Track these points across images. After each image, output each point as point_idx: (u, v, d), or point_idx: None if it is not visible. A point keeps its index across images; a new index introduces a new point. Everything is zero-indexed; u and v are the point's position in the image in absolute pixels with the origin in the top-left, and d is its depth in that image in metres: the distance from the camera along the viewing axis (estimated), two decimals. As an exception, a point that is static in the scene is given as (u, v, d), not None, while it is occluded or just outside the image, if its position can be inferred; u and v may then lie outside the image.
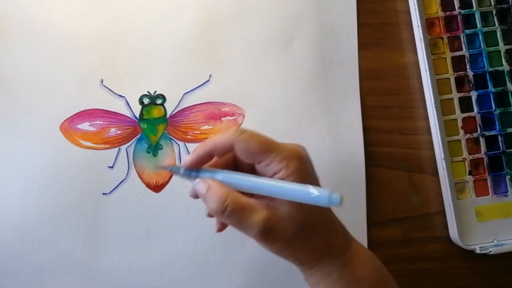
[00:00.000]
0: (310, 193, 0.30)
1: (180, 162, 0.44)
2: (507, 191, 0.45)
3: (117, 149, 0.44)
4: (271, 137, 0.42)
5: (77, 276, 0.42)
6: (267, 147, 0.33)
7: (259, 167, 0.33)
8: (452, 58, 0.45)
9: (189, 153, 0.43)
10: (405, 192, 0.45)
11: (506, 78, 0.45)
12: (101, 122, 0.44)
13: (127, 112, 0.44)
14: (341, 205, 0.29)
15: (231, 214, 0.32)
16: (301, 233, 0.32)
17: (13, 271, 0.42)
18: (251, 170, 0.34)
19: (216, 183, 0.33)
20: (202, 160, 0.35)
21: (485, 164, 0.45)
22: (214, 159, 0.35)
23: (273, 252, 0.34)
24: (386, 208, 0.45)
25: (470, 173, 0.44)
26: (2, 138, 0.43)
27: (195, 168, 0.35)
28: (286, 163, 0.32)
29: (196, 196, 0.35)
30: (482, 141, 0.45)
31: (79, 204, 0.43)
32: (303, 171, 0.33)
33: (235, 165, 0.36)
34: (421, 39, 0.45)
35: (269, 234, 0.32)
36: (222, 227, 0.37)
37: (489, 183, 0.44)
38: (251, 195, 0.33)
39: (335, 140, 0.45)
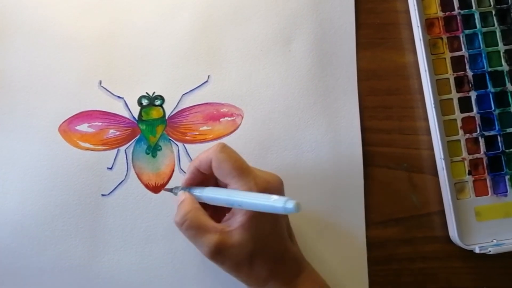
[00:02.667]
0: (270, 198, 0.32)
1: (180, 163, 0.44)
2: (507, 191, 0.45)
3: (116, 150, 0.44)
4: (270, 138, 0.44)
5: (76, 277, 0.42)
6: (237, 173, 0.35)
7: (229, 188, 0.36)
8: (452, 58, 0.45)
9: (188, 154, 0.44)
10: (405, 192, 0.45)
11: (506, 78, 0.45)
12: (100, 124, 0.44)
13: (125, 113, 0.44)
14: (297, 211, 0.30)
15: (187, 228, 0.36)
16: (248, 260, 0.35)
17: (12, 273, 0.42)
18: None
19: (189, 199, 0.37)
20: (193, 177, 0.38)
21: (485, 164, 0.45)
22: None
23: (223, 270, 0.36)
24: (386, 208, 0.45)
25: (469, 173, 0.44)
26: (1, 140, 0.43)
27: (188, 187, 0.38)
28: None
29: None
30: (481, 141, 0.45)
31: (78, 205, 0.43)
32: None
33: (217, 184, 0.39)
34: (420, 39, 0.45)
35: (217, 256, 0.35)
36: None
37: (488, 183, 0.44)
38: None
39: (333, 140, 0.45)
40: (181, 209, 0.36)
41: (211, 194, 0.37)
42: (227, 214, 0.37)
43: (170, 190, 0.40)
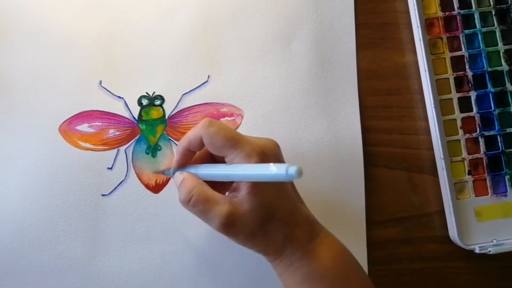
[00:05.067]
0: (269, 168, 0.30)
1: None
2: (506, 191, 0.45)
3: (116, 150, 0.43)
4: (270, 136, 0.41)
5: (76, 277, 0.42)
6: (232, 143, 0.34)
7: (227, 160, 0.35)
8: (452, 58, 0.45)
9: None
10: (405, 192, 0.45)
11: (505, 78, 0.45)
12: (100, 124, 0.44)
13: (126, 113, 0.44)
14: (299, 177, 0.28)
15: (195, 204, 0.34)
16: (262, 227, 0.34)
17: (12, 273, 0.42)
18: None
19: (190, 176, 0.36)
20: (184, 156, 0.37)
21: (484, 164, 0.45)
22: (197, 154, 0.38)
23: (237, 243, 0.35)
24: (386, 208, 0.45)
25: (469, 173, 0.44)
26: (1, 140, 0.43)
27: (182, 167, 0.37)
28: (247, 159, 0.33)
29: None
30: (481, 141, 0.45)
31: (78, 205, 0.42)
32: None
33: (212, 158, 0.38)
34: (420, 39, 0.45)
35: (230, 227, 0.34)
36: None
37: (488, 183, 0.45)
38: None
39: (334, 140, 0.45)
40: (184, 186, 0.35)
41: (207, 171, 0.36)
42: (227, 191, 0.37)
43: (162, 172, 0.41)
